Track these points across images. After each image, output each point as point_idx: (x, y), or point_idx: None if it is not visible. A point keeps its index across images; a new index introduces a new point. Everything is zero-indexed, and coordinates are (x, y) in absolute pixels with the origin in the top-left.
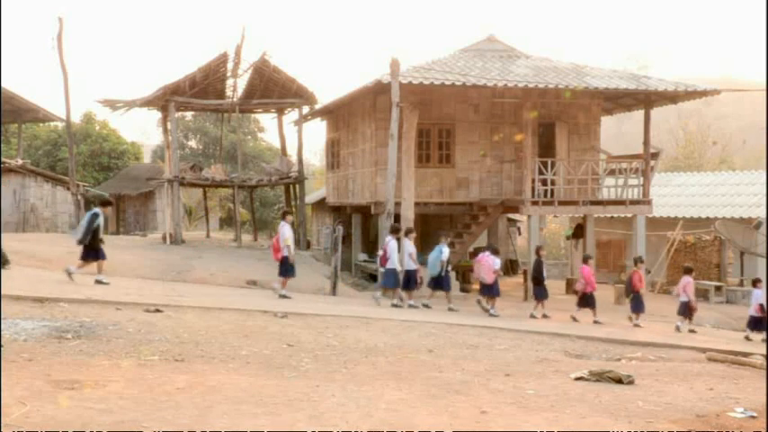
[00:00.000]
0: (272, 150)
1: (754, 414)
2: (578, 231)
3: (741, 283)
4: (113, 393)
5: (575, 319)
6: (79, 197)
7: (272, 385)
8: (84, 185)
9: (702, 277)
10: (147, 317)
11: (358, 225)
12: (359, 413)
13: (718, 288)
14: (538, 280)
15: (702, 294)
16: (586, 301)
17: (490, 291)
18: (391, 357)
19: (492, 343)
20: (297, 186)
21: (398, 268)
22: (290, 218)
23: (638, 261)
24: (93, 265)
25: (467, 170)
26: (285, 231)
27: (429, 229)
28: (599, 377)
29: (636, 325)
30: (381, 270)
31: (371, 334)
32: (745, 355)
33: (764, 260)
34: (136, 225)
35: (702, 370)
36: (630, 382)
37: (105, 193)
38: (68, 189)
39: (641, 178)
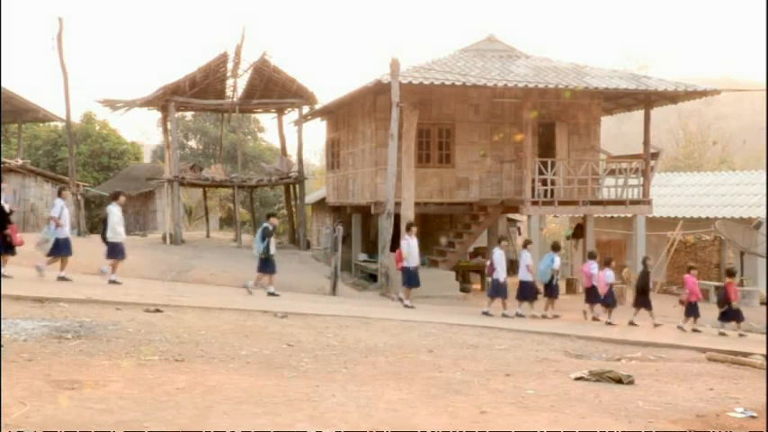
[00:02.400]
0: (272, 150)
1: (754, 414)
2: (578, 231)
3: (741, 283)
4: (113, 393)
5: (682, 329)
6: (79, 197)
7: (272, 385)
8: (84, 185)
9: (702, 277)
10: (147, 317)
11: (358, 225)
12: (359, 413)
13: (717, 288)
14: (644, 290)
15: (702, 294)
16: (692, 310)
17: (596, 299)
18: (391, 357)
19: (492, 343)
20: (297, 186)
21: (501, 279)
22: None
23: (731, 273)
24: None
25: (467, 170)
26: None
27: (429, 228)
28: (599, 377)
29: (722, 333)
30: (488, 279)
31: (371, 334)
32: (745, 355)
33: (764, 260)
34: (136, 225)
35: (702, 370)
36: (630, 382)
37: (105, 193)
38: (68, 189)
39: (641, 178)
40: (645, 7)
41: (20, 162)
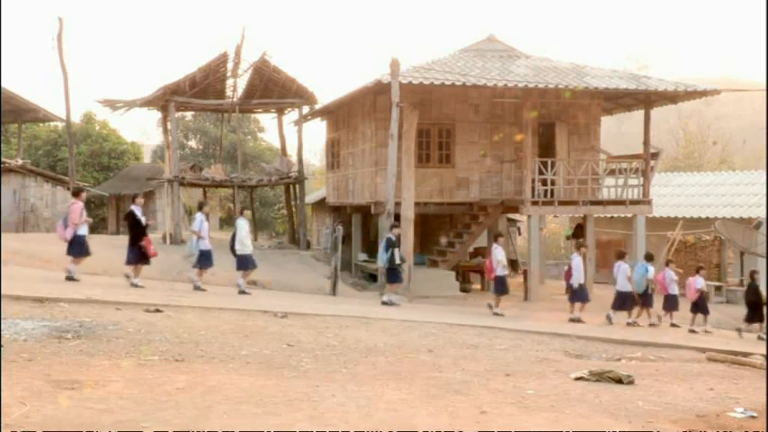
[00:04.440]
0: (272, 150)
1: (754, 414)
2: (578, 231)
3: (741, 283)
4: (113, 393)
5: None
6: None
7: (272, 385)
8: (84, 185)
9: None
10: (147, 317)
11: (358, 225)
12: (359, 413)
13: (718, 288)
14: (756, 305)
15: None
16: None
17: (697, 308)
18: (391, 357)
19: (492, 343)
20: (297, 186)
21: (579, 283)
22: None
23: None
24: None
25: (467, 170)
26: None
27: (429, 229)
28: (599, 377)
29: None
30: (566, 285)
31: (371, 334)
32: (745, 355)
33: (764, 260)
34: None
35: (702, 370)
36: (630, 382)
37: (105, 193)
38: (68, 189)
39: (641, 178)
40: (645, 7)
41: (20, 162)
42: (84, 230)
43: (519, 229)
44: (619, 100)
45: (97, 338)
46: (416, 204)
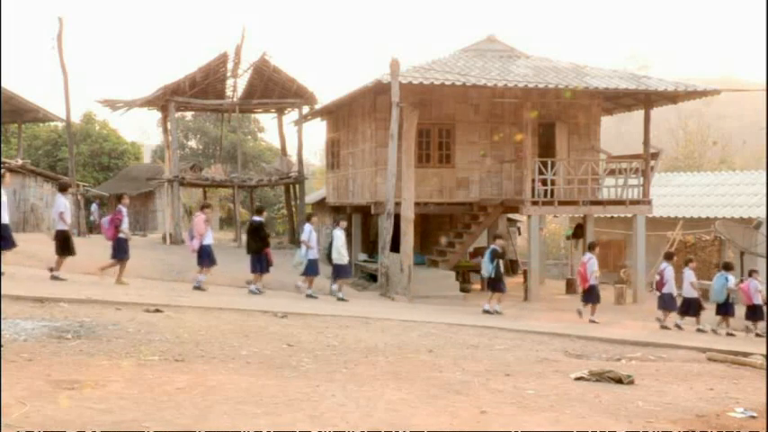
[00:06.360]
0: (272, 150)
1: (754, 414)
2: (578, 231)
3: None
4: (113, 393)
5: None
6: (79, 197)
7: (272, 385)
8: (84, 185)
9: (702, 277)
10: (147, 317)
11: (358, 225)
12: (359, 413)
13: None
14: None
15: (702, 294)
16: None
17: (754, 314)
18: (391, 357)
19: (492, 343)
20: (297, 186)
21: (674, 293)
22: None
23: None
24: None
25: (467, 170)
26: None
27: (429, 228)
28: (599, 377)
29: None
30: (657, 293)
31: (371, 334)
32: (746, 355)
33: (764, 260)
34: (136, 225)
35: (702, 370)
36: (630, 382)
37: (105, 193)
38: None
39: (641, 178)
40: (645, 7)
41: (20, 162)
42: (209, 240)
43: (519, 229)
44: (619, 100)
45: (97, 338)
46: (416, 204)
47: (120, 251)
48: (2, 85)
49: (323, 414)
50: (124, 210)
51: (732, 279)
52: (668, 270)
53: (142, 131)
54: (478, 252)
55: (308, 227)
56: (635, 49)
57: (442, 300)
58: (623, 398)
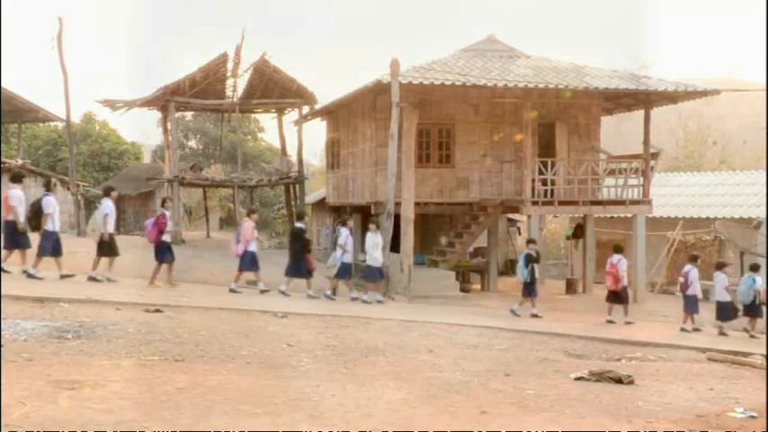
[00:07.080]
0: (272, 150)
1: (754, 414)
2: (578, 231)
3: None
4: (113, 393)
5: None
6: (79, 197)
7: (272, 385)
8: (84, 185)
9: (702, 277)
10: (147, 317)
11: (358, 225)
12: (359, 413)
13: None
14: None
15: (702, 294)
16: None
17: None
18: (391, 357)
19: (492, 343)
20: (297, 186)
21: (699, 296)
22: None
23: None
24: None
25: (467, 170)
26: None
27: (429, 228)
28: (599, 377)
29: None
30: (680, 295)
31: (371, 334)
32: (745, 355)
33: (764, 260)
34: (136, 225)
35: (702, 370)
36: (630, 382)
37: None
38: (68, 189)
39: (641, 178)
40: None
41: (20, 162)
42: (254, 246)
43: (519, 229)
44: (619, 100)
45: (97, 338)
46: (416, 204)
47: (165, 253)
48: (2, 85)
49: (323, 414)
50: (168, 213)
51: (759, 280)
52: (693, 272)
53: (142, 131)
54: (478, 252)
55: (344, 231)
56: (635, 49)
57: (442, 300)
58: (623, 398)
